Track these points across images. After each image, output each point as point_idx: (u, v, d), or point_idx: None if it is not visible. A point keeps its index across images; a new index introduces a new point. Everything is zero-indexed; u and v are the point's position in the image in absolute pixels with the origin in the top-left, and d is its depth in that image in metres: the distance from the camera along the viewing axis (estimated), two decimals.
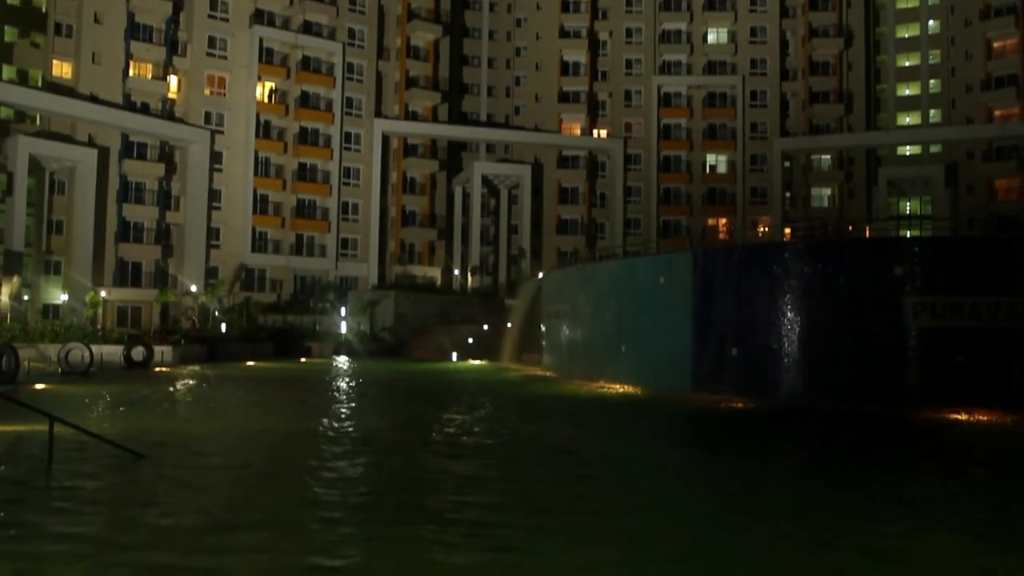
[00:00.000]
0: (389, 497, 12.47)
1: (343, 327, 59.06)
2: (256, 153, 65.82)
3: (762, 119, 76.48)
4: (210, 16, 64.68)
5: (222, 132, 64.41)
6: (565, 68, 77.43)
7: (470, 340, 55.40)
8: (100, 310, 55.09)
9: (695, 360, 30.23)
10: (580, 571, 8.88)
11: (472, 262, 71.35)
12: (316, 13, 69.07)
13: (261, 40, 66.26)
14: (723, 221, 76.07)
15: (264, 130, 66.95)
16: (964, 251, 28.04)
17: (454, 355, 53.73)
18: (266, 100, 67.32)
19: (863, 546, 9.94)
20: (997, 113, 69.92)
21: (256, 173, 65.76)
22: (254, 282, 65.45)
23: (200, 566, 8.68)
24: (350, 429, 19.93)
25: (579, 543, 9.97)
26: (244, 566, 8.74)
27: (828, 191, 76.37)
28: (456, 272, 71.98)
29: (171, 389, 29.76)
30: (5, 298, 51.05)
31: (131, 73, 61.28)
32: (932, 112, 73.65)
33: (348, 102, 70.13)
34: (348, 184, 69.84)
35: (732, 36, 77.27)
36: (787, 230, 54.19)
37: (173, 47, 63.08)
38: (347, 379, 36.93)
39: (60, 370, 34.18)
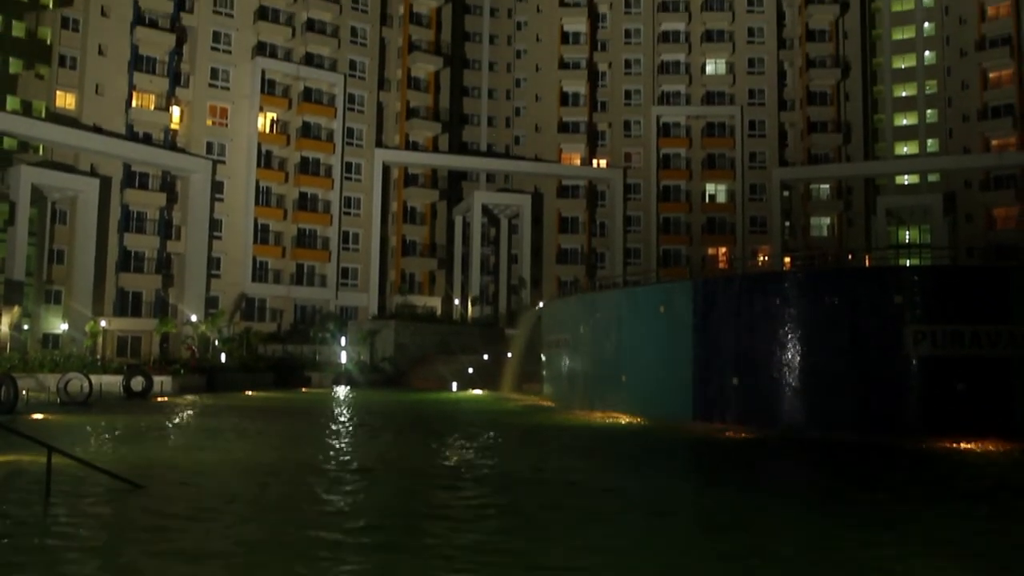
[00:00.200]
0: (383, 531, 12.37)
1: (343, 357, 58.94)
2: (257, 183, 66.07)
3: (761, 149, 76.88)
4: (213, 48, 65.29)
5: (224, 162, 64.72)
6: (565, 99, 78.01)
7: (470, 370, 55.27)
8: (100, 340, 55.04)
9: (696, 390, 30.16)
10: None
11: (472, 292, 71.33)
12: (318, 45, 69.69)
13: (263, 72, 66.79)
14: (723, 250, 76.17)
15: (265, 160, 67.28)
16: (964, 280, 28.06)
17: (454, 385, 53.59)
18: (268, 130, 67.72)
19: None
20: (994, 142, 70.30)
21: (257, 203, 65.95)
22: (254, 312, 65.41)
23: None
24: (348, 460, 19.83)
25: None
26: None
27: (827, 220, 76.57)
28: (456, 302, 71.94)
29: (170, 420, 29.63)
30: (5, 328, 51.01)
31: (134, 104, 61.68)
32: (930, 142, 74.04)
33: (349, 132, 70.55)
34: (349, 214, 70.03)
35: (730, 67, 77.94)
36: (787, 259, 54.07)
37: (176, 78, 63.57)
38: (347, 409, 36.79)
39: (59, 400, 34.11)
